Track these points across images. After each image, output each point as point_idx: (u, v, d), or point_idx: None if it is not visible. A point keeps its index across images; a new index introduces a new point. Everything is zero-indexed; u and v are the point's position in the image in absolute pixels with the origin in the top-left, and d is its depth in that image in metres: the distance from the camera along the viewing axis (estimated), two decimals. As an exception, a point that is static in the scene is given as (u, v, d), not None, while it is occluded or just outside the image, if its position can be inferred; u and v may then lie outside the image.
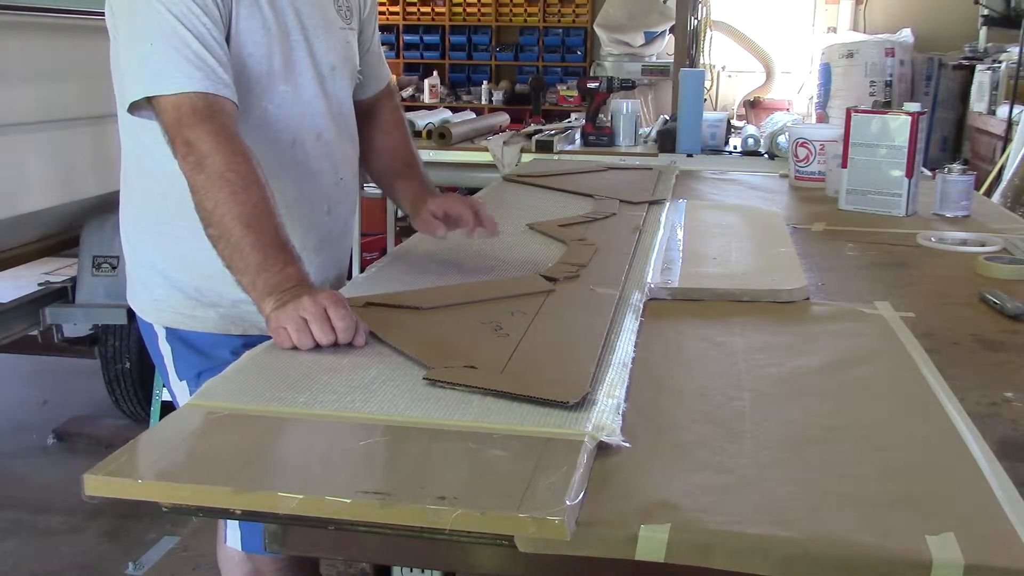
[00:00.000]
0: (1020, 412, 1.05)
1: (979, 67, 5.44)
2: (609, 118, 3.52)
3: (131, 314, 1.64)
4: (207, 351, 1.50)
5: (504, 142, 3.36)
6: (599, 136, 3.48)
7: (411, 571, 1.67)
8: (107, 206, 2.80)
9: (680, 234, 1.84)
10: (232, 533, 1.53)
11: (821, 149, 2.48)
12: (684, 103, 3.30)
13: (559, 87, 7.56)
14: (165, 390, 2.77)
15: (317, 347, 1.15)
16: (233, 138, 1.30)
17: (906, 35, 6.51)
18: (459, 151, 3.47)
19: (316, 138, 1.51)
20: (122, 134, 1.50)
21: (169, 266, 1.50)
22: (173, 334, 1.52)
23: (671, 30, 6.15)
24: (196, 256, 1.37)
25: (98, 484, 0.84)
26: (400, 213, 5.48)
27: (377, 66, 1.72)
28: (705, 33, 6.19)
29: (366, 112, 1.71)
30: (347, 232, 1.67)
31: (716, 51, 6.85)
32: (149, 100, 1.33)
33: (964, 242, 1.85)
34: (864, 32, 7.03)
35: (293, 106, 1.47)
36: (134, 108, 1.35)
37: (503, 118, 4.04)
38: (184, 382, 1.52)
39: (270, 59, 1.43)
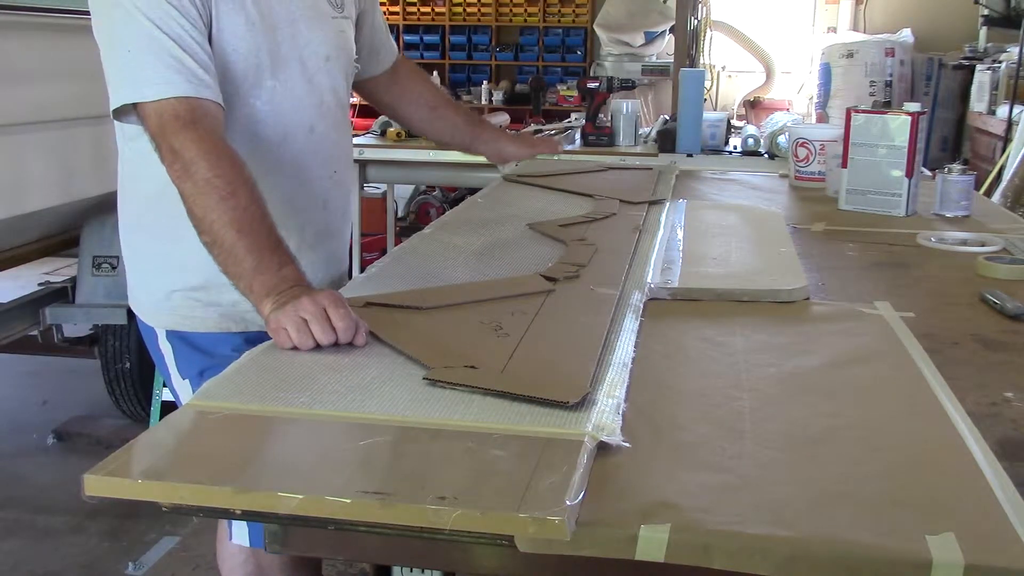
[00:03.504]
0: (1020, 412, 1.05)
1: (979, 67, 5.44)
2: (609, 118, 3.52)
3: (131, 314, 1.64)
4: (208, 349, 1.50)
5: (504, 142, 3.36)
6: (599, 136, 3.48)
7: (411, 571, 1.66)
8: (107, 206, 2.80)
9: (680, 234, 1.84)
10: (238, 530, 1.53)
11: (821, 149, 2.48)
12: (684, 103, 3.30)
13: (559, 87, 7.55)
14: (166, 390, 2.78)
15: (317, 347, 1.15)
16: (217, 143, 1.30)
17: (906, 35, 6.51)
18: (459, 151, 3.46)
19: (308, 132, 1.51)
20: (117, 136, 1.50)
21: (167, 268, 1.49)
22: (173, 333, 1.52)
23: (671, 30, 6.15)
24: (193, 258, 1.37)
25: (98, 484, 0.84)
26: (400, 212, 5.49)
27: (386, 40, 1.78)
28: (705, 33, 6.19)
29: (390, 81, 1.79)
30: (344, 226, 1.67)
31: (716, 51, 6.85)
32: (133, 106, 1.33)
33: (964, 242, 1.85)
34: (864, 32, 7.02)
35: (282, 101, 1.47)
36: (120, 114, 1.36)
37: (503, 118, 4.04)
38: (187, 381, 1.52)
39: (256, 55, 1.42)
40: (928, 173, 2.58)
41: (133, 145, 1.45)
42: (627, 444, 0.92)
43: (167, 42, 1.31)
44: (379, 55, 1.76)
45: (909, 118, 2.06)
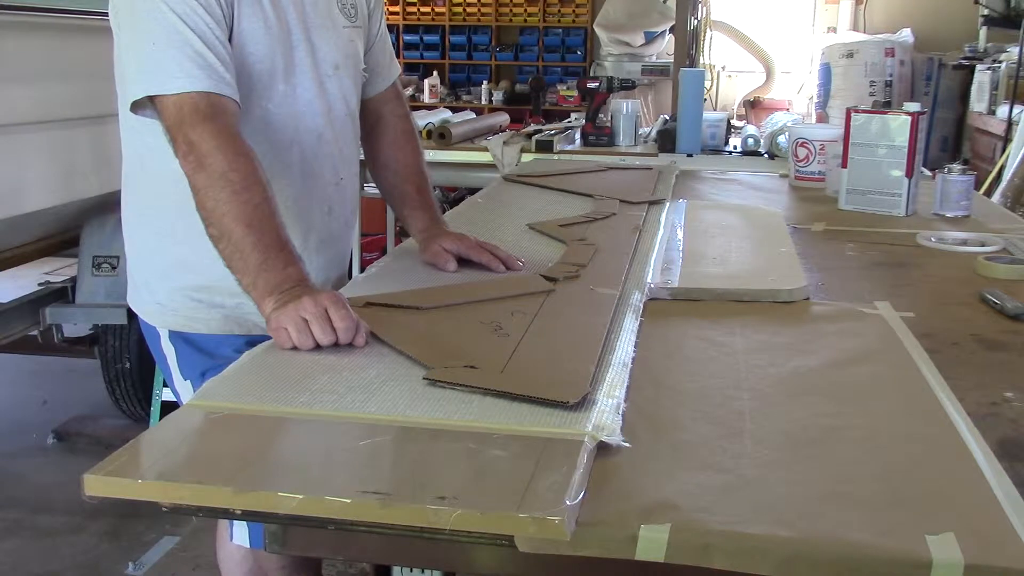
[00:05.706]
0: (1020, 412, 1.05)
1: (979, 67, 5.44)
2: (609, 118, 3.51)
3: (131, 314, 1.64)
4: (211, 350, 1.50)
5: (504, 142, 3.36)
6: (599, 136, 3.48)
7: (411, 571, 1.67)
8: (107, 206, 2.80)
9: (680, 234, 1.84)
10: (239, 531, 1.53)
11: (821, 149, 2.48)
12: (684, 103, 3.30)
13: (559, 87, 7.56)
14: (166, 390, 2.78)
15: (317, 347, 1.15)
16: (235, 138, 1.30)
17: (906, 35, 6.51)
18: (459, 151, 3.46)
19: (316, 138, 1.51)
20: (123, 135, 1.49)
21: (172, 268, 1.49)
22: (176, 335, 1.52)
23: (671, 30, 6.15)
24: (198, 258, 1.37)
25: (98, 484, 0.84)
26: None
27: (383, 63, 1.70)
28: (705, 33, 6.19)
29: (373, 115, 1.70)
30: (348, 232, 1.67)
31: (716, 51, 6.85)
32: (151, 99, 1.33)
33: (964, 242, 1.85)
34: (864, 32, 7.03)
35: (293, 106, 1.47)
36: (136, 107, 1.35)
37: (503, 118, 4.04)
38: (188, 381, 1.52)
39: (271, 58, 1.43)
40: (928, 173, 2.58)
41: (139, 140, 1.45)
42: (627, 444, 0.92)
43: (191, 37, 1.31)
44: (370, 77, 1.66)
45: (909, 118, 2.06)
